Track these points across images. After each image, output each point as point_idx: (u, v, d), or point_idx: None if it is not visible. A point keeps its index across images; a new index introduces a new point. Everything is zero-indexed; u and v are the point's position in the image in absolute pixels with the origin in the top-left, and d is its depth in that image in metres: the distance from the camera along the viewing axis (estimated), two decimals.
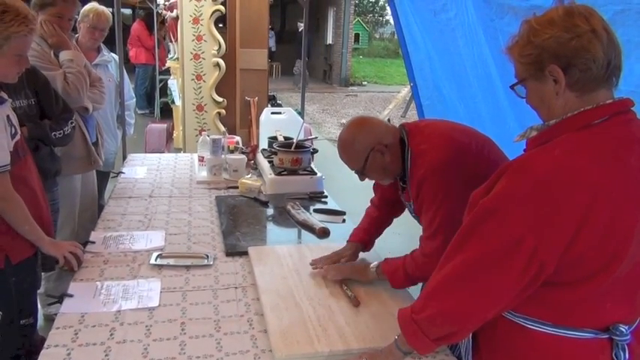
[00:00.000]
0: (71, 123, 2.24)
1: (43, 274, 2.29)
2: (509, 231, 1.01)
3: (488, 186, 1.10)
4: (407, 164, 1.56)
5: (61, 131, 2.16)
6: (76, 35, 2.85)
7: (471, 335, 1.23)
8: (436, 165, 1.46)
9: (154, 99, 8.11)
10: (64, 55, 2.42)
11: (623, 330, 1.08)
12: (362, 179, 1.68)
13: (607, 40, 1.01)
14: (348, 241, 1.90)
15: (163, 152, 4.56)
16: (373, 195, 1.94)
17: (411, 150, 1.54)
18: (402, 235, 1.91)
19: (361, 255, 1.90)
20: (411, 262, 1.56)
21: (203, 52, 4.31)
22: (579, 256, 1.00)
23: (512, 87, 1.15)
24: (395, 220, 1.94)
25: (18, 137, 1.70)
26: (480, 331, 1.20)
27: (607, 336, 1.09)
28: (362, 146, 1.58)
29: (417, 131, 1.57)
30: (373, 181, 1.80)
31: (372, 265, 1.68)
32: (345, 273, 1.72)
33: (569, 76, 1.03)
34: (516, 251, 1.00)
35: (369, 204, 1.95)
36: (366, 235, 1.88)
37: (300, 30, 14.17)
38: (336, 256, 1.82)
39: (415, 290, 1.73)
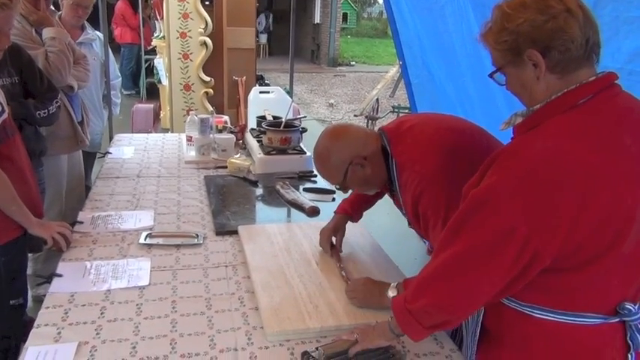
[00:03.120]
0: (56, 102, 2.20)
1: (30, 255, 2.28)
2: (501, 221, 0.98)
3: (479, 177, 1.08)
4: (393, 175, 1.46)
5: (46, 110, 2.12)
6: (59, 12, 2.78)
7: (479, 327, 1.22)
8: (428, 176, 1.35)
9: (140, 79, 7.99)
10: (46, 33, 2.36)
11: (631, 308, 1.06)
12: (345, 192, 1.59)
13: (583, 18, 0.99)
14: (334, 213, 1.85)
15: (150, 132, 4.51)
16: None
17: (395, 160, 1.44)
18: (391, 215, 1.91)
19: (354, 236, 1.88)
20: None
21: (190, 31, 4.24)
22: (581, 241, 0.98)
23: (490, 75, 1.11)
24: (385, 199, 1.90)
25: (5, 115, 1.67)
26: (486, 321, 1.20)
27: (617, 319, 1.06)
28: (339, 160, 1.49)
29: (399, 137, 1.45)
30: None
31: (389, 293, 1.43)
32: (356, 300, 1.49)
33: (549, 59, 1.00)
34: (508, 241, 0.98)
35: None
36: (353, 206, 1.82)
37: None
38: (328, 233, 1.78)
39: (407, 269, 1.75)
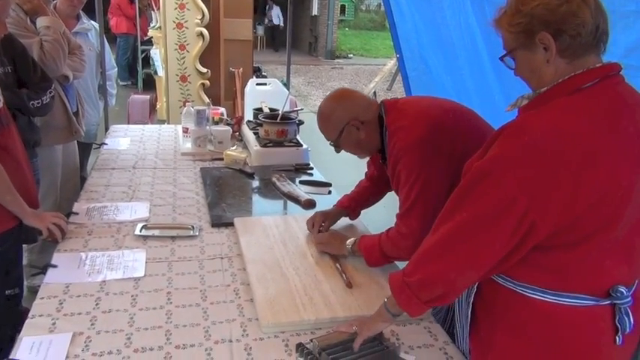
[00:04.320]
0: (50, 92, 2.18)
1: (25, 245, 2.27)
2: (502, 192, 1.01)
3: (483, 151, 1.10)
4: (385, 141, 1.57)
5: (40, 100, 2.11)
6: (54, 2, 2.76)
7: (470, 307, 1.23)
8: (410, 143, 1.46)
9: (136, 70, 7.95)
10: (40, 22, 2.34)
11: (623, 291, 1.08)
12: (337, 151, 1.69)
13: (594, 5, 1.02)
14: (333, 206, 1.94)
15: (147, 124, 4.49)
16: (366, 168, 1.94)
17: (387, 128, 1.55)
18: (388, 208, 1.92)
19: (350, 223, 1.95)
20: (386, 241, 1.56)
21: (186, 21, 4.21)
22: (577, 217, 1.00)
23: (501, 58, 1.14)
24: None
25: (0, 105, 1.66)
26: (479, 300, 1.21)
27: (608, 302, 1.09)
28: (338, 119, 1.59)
29: (395, 109, 1.57)
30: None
31: (347, 242, 1.69)
32: (321, 245, 1.76)
33: (560, 42, 1.03)
34: (508, 212, 1.00)
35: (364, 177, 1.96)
36: (351, 202, 1.91)
37: None
38: (319, 215, 1.88)
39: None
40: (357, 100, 1.64)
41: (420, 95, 1.78)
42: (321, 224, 1.86)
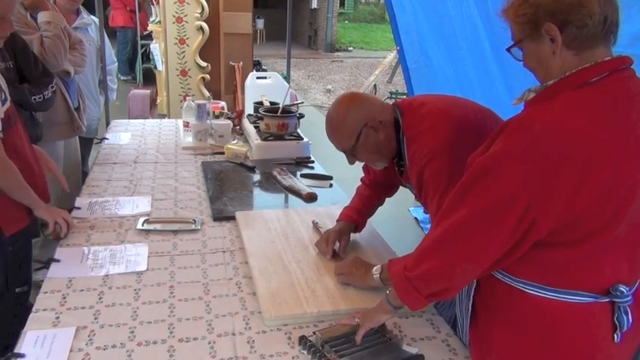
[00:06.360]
0: (52, 87, 2.18)
1: None
2: (504, 188, 1.00)
3: (486, 147, 1.09)
4: (402, 147, 1.46)
5: (41, 95, 2.10)
6: None
7: (471, 301, 1.23)
8: (435, 147, 1.36)
9: (136, 64, 7.92)
10: (41, 17, 2.34)
11: (624, 290, 1.07)
12: (352, 161, 1.55)
13: None
14: (337, 221, 1.77)
15: (147, 118, 4.49)
16: (363, 174, 1.83)
17: (405, 133, 1.44)
18: (390, 203, 1.91)
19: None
20: None
21: (186, 15, 4.20)
22: (579, 215, 0.99)
23: (508, 49, 1.12)
24: None
25: (9, 104, 1.65)
26: (478, 295, 1.21)
27: (608, 299, 1.08)
28: (354, 121, 1.45)
29: (411, 112, 1.46)
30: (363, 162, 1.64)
31: (374, 270, 1.43)
32: (343, 276, 1.52)
33: (566, 33, 1.01)
34: (509, 209, 0.99)
35: (360, 183, 1.83)
36: (356, 213, 1.76)
37: None
38: (332, 236, 1.69)
39: (403, 251, 1.75)
40: (370, 100, 1.52)
41: (435, 94, 1.64)
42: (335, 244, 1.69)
